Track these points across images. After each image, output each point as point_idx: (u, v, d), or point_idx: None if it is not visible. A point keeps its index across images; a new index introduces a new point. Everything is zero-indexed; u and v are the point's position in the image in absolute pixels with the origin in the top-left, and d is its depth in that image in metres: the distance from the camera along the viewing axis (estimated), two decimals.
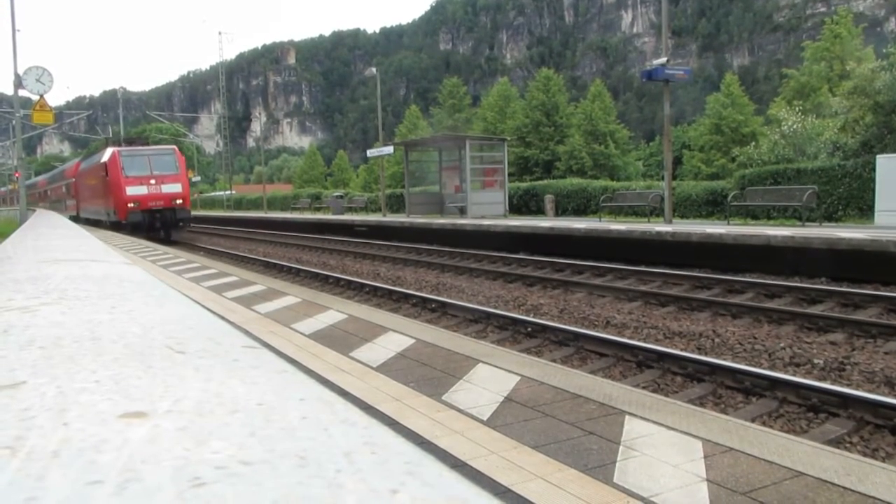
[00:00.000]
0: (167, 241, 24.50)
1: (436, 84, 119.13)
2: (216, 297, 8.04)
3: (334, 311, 6.63)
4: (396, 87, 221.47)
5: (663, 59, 17.20)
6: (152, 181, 25.08)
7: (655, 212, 20.40)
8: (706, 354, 6.94)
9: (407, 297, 10.97)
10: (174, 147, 28.45)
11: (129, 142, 28.96)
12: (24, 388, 1.21)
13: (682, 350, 7.07)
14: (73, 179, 36.74)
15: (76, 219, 34.88)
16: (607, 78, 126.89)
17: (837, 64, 35.15)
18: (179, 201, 25.66)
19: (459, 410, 3.63)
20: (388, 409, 3.66)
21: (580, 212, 26.65)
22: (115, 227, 25.80)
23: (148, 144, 30.01)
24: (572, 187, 27.98)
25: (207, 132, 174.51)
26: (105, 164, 25.72)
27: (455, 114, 57.91)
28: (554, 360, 6.62)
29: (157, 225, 25.43)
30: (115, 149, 25.89)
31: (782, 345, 7.28)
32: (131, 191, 24.66)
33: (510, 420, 3.46)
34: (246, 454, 0.85)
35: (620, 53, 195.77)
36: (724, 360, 6.65)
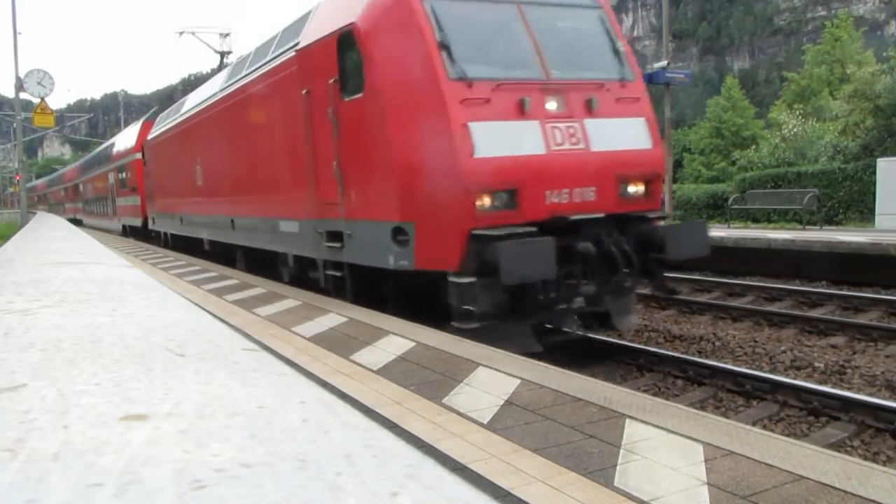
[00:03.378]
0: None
1: None
2: (216, 299, 8.05)
3: (334, 314, 6.63)
4: None
5: (664, 63, 17.24)
6: (552, 103, 6.43)
7: None
8: (707, 358, 6.94)
9: None
10: None
11: None
12: (25, 390, 1.21)
13: (682, 353, 7.07)
14: (137, 155, 19.47)
15: (138, 233, 20.42)
16: None
17: (838, 67, 35.15)
18: (639, 188, 6.90)
19: (460, 414, 3.62)
20: (388, 412, 3.66)
21: None
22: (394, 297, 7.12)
23: None
24: None
25: None
26: (350, 34, 6.81)
27: None
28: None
29: (581, 283, 6.23)
30: None
31: (783, 348, 7.28)
32: (487, 139, 6.02)
33: (510, 423, 3.45)
34: (246, 457, 0.85)
35: None
36: (725, 363, 6.65)
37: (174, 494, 0.73)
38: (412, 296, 6.91)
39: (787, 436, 4.54)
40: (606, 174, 6.53)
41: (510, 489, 2.67)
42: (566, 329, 7.07)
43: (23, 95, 21.86)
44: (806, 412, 5.41)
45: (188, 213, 14.48)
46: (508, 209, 6.09)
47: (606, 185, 6.53)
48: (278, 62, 8.74)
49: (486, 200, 6.03)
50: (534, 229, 5.99)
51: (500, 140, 6.04)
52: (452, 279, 6.04)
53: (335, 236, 7.52)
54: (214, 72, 16.39)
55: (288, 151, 8.76)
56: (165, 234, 17.00)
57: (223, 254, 12.57)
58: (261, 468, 0.81)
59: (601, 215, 6.47)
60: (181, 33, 19.26)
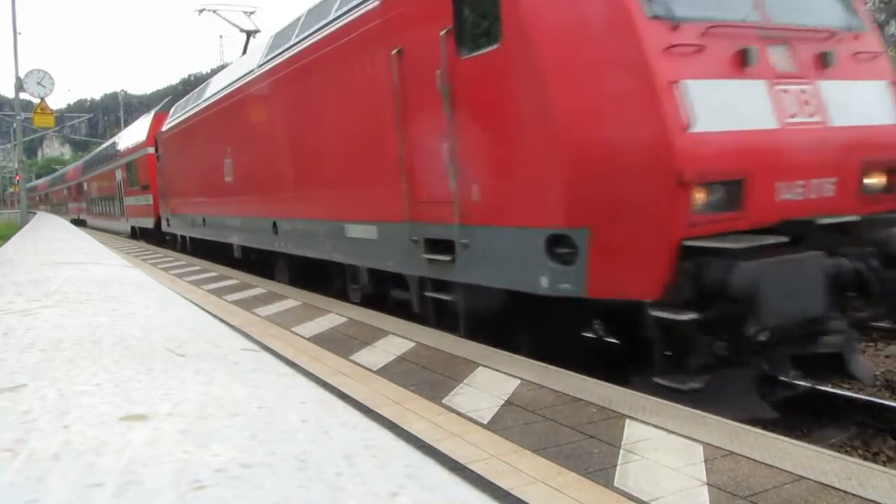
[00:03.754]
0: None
1: None
2: (216, 299, 8.05)
3: (334, 315, 6.63)
4: None
5: None
6: (777, 57, 4.65)
7: None
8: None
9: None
10: None
11: None
12: (25, 390, 1.21)
13: None
14: (149, 150, 17.62)
15: (150, 235, 17.99)
16: None
17: None
18: (881, 180, 5.01)
19: (460, 414, 3.63)
20: (388, 412, 3.66)
21: None
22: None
23: None
24: None
25: None
26: None
27: None
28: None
29: (829, 316, 4.44)
30: None
31: None
32: (705, 106, 4.19)
33: (510, 423, 3.45)
34: (246, 457, 0.85)
35: None
36: None
37: (174, 494, 0.73)
38: (567, 335, 5.26)
39: (787, 436, 4.54)
40: (850, 160, 4.69)
41: (510, 489, 2.67)
42: (785, 378, 5.30)
43: (23, 95, 21.87)
44: (806, 412, 5.40)
45: (213, 213, 12.38)
46: (729, 209, 4.25)
47: (849, 175, 4.70)
48: (350, 19, 6.88)
49: (701, 196, 4.16)
50: (783, 239, 4.18)
51: (720, 107, 4.27)
52: (659, 314, 4.12)
53: (441, 246, 5.67)
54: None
55: (364, 133, 6.78)
56: (183, 237, 15.15)
57: (259, 263, 10.64)
58: (261, 468, 0.81)
59: (856, 218, 4.62)
60: (201, 11, 18.41)
